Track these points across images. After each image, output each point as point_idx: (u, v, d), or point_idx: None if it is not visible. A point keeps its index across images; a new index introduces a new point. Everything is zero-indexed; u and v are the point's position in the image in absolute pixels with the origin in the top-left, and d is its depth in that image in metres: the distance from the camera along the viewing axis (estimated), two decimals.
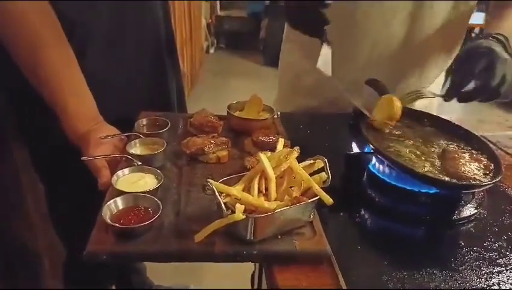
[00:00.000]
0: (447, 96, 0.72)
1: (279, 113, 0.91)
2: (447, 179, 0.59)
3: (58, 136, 0.76)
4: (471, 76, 0.69)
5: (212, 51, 5.20)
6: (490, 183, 0.60)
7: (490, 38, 0.75)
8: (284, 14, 0.78)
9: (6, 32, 0.73)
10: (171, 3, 2.62)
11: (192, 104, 1.11)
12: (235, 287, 1.46)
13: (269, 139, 0.76)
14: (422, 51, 0.94)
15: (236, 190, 0.54)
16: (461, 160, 0.63)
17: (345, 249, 0.57)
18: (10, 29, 0.73)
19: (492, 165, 0.64)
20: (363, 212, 0.65)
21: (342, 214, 0.65)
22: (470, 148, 0.70)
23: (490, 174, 0.62)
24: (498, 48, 0.71)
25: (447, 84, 0.75)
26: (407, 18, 0.88)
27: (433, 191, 0.63)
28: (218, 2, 5.14)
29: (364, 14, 0.88)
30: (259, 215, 0.52)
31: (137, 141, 0.71)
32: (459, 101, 0.71)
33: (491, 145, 0.78)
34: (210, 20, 5.05)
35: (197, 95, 3.62)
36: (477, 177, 0.61)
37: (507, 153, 0.88)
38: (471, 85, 0.69)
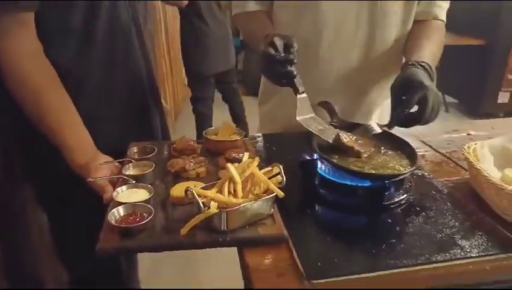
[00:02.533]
0: (390, 126, 0.88)
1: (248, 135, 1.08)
2: (372, 172, 0.77)
3: (61, 169, 0.91)
4: (409, 107, 0.84)
5: None
6: (404, 173, 0.78)
7: (418, 66, 0.91)
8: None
9: (14, 88, 0.89)
10: (151, 41, 2.83)
11: (178, 135, 1.25)
12: None
13: (239, 155, 0.93)
14: (379, 72, 1.13)
15: (210, 192, 0.71)
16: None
17: (299, 233, 0.72)
18: (17, 86, 0.88)
19: (411, 161, 0.82)
20: (315, 205, 0.82)
21: (298, 208, 0.81)
22: (397, 150, 0.88)
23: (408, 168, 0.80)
24: (427, 80, 0.86)
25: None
26: (363, 46, 1.07)
27: (367, 184, 0.80)
28: None
29: (329, 48, 1.07)
30: (230, 209, 0.68)
31: (130, 164, 0.87)
32: (400, 126, 0.87)
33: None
34: None
35: (181, 126, 3.79)
36: (397, 171, 0.79)
37: (438, 152, 1.07)
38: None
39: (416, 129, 1.23)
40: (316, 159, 0.86)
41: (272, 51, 0.83)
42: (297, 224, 0.75)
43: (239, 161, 0.89)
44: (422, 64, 0.92)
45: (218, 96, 3.38)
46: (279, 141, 1.12)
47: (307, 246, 0.69)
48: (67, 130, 0.92)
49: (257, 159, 0.78)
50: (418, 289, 0.63)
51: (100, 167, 0.86)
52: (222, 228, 0.69)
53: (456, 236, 0.72)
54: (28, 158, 1.09)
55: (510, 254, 0.68)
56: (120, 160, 0.90)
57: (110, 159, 0.90)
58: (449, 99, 4.66)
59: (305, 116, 0.87)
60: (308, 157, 0.88)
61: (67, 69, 0.95)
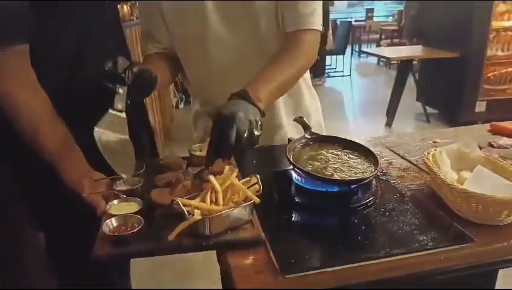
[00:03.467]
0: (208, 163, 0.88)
1: None
2: (337, 178, 0.86)
3: (57, 188, 0.98)
4: (211, 138, 0.84)
5: (181, 105, 5.52)
6: (365, 179, 0.87)
7: (233, 97, 0.89)
8: None
9: (12, 115, 0.97)
10: None
11: (167, 154, 1.32)
12: None
13: (221, 169, 1.01)
14: None
15: (194, 201, 0.79)
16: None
17: (275, 235, 0.80)
18: (15, 113, 0.97)
19: (374, 167, 0.92)
20: (291, 211, 0.90)
21: (276, 214, 0.89)
22: (362, 157, 0.98)
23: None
24: (240, 113, 0.82)
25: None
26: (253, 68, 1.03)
27: (335, 189, 0.89)
28: None
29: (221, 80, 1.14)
30: (212, 215, 0.76)
31: (121, 180, 0.95)
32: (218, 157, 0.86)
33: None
34: (177, 79, 5.40)
35: (171, 146, 3.87)
36: (360, 176, 0.88)
37: (404, 159, 1.17)
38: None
39: (386, 139, 1.34)
40: (290, 168, 0.95)
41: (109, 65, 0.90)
42: (274, 227, 0.83)
43: (221, 173, 0.97)
44: (240, 92, 0.90)
45: None
46: (260, 154, 1.20)
47: (282, 246, 0.77)
48: (62, 151, 0.99)
49: (236, 170, 0.87)
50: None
51: (94, 184, 0.94)
52: (206, 233, 0.77)
53: (415, 232, 0.80)
54: (24, 179, 1.16)
55: (462, 245, 0.77)
56: (111, 177, 0.98)
57: (102, 176, 0.98)
58: (430, 110, 4.83)
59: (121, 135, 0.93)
60: (283, 168, 0.97)
61: (58, 96, 1.03)
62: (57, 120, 1.01)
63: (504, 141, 1.27)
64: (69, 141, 1.01)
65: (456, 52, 4.23)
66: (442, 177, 0.87)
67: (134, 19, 3.24)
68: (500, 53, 4.25)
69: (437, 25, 4.64)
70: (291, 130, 1.26)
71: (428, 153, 0.97)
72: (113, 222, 0.78)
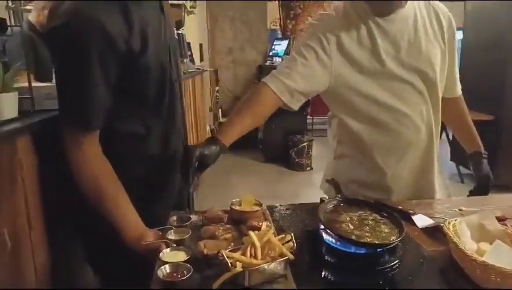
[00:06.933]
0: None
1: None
2: (367, 240, 0.96)
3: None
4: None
5: None
6: (392, 243, 0.96)
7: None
8: None
9: (79, 182, 1.10)
10: None
11: (202, 201, 1.45)
12: None
13: (258, 224, 1.13)
14: None
15: (236, 255, 0.90)
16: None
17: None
18: (83, 181, 1.10)
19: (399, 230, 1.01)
20: (321, 268, 0.99)
21: (308, 270, 0.99)
22: (389, 221, 1.07)
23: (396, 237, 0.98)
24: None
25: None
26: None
27: (363, 251, 0.98)
28: (220, 111, 5.82)
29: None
30: (252, 268, 0.87)
31: (171, 231, 1.08)
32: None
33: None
34: (214, 127, 5.68)
35: (205, 193, 4.01)
36: (387, 241, 0.97)
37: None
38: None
39: (416, 203, 1.41)
40: (321, 229, 1.06)
41: None
42: (305, 282, 0.92)
43: (258, 228, 1.09)
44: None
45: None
46: (293, 211, 1.32)
47: None
48: (121, 212, 1.13)
49: (273, 227, 0.98)
50: None
51: (150, 236, 1.08)
52: (246, 284, 0.88)
53: None
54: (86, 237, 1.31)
55: None
56: (162, 227, 1.11)
57: (156, 232, 1.11)
58: (464, 170, 4.78)
59: None
60: (315, 226, 1.08)
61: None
62: (117, 183, 1.14)
63: None
64: (127, 201, 1.14)
65: (490, 115, 4.26)
66: (462, 248, 0.94)
67: None
68: None
69: (471, 88, 4.71)
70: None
71: (449, 223, 1.05)
72: (166, 269, 0.91)
